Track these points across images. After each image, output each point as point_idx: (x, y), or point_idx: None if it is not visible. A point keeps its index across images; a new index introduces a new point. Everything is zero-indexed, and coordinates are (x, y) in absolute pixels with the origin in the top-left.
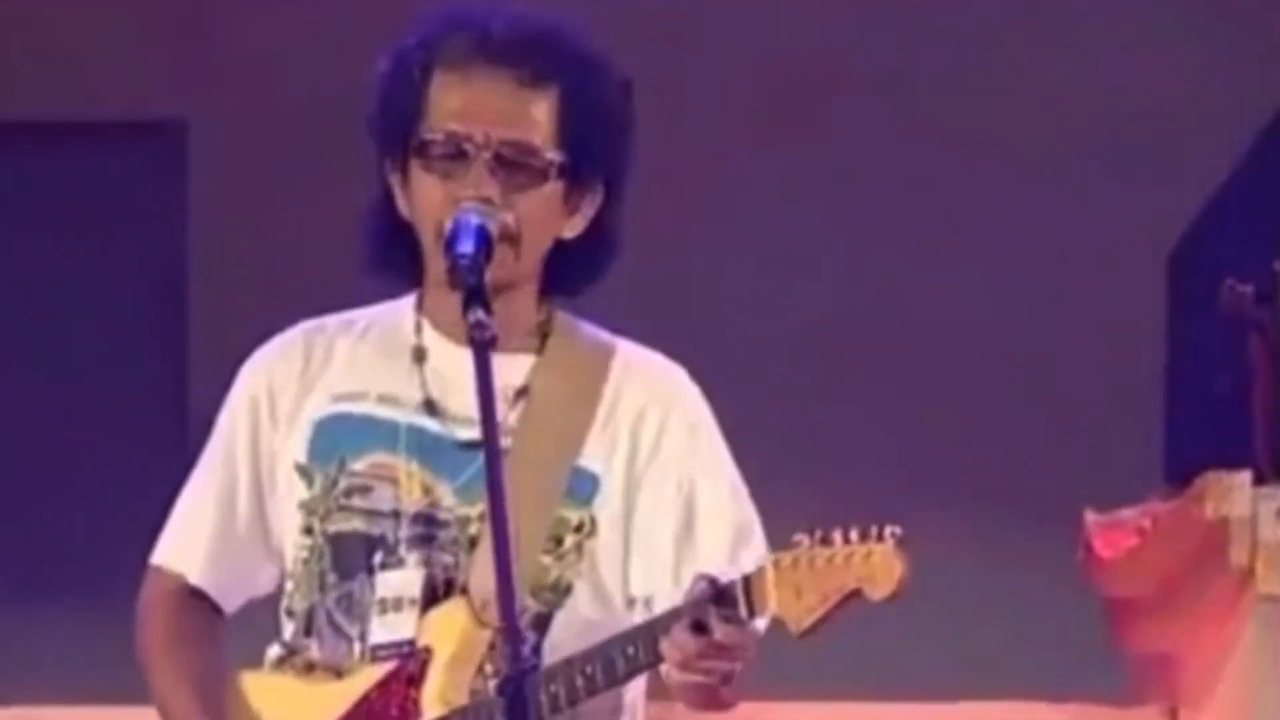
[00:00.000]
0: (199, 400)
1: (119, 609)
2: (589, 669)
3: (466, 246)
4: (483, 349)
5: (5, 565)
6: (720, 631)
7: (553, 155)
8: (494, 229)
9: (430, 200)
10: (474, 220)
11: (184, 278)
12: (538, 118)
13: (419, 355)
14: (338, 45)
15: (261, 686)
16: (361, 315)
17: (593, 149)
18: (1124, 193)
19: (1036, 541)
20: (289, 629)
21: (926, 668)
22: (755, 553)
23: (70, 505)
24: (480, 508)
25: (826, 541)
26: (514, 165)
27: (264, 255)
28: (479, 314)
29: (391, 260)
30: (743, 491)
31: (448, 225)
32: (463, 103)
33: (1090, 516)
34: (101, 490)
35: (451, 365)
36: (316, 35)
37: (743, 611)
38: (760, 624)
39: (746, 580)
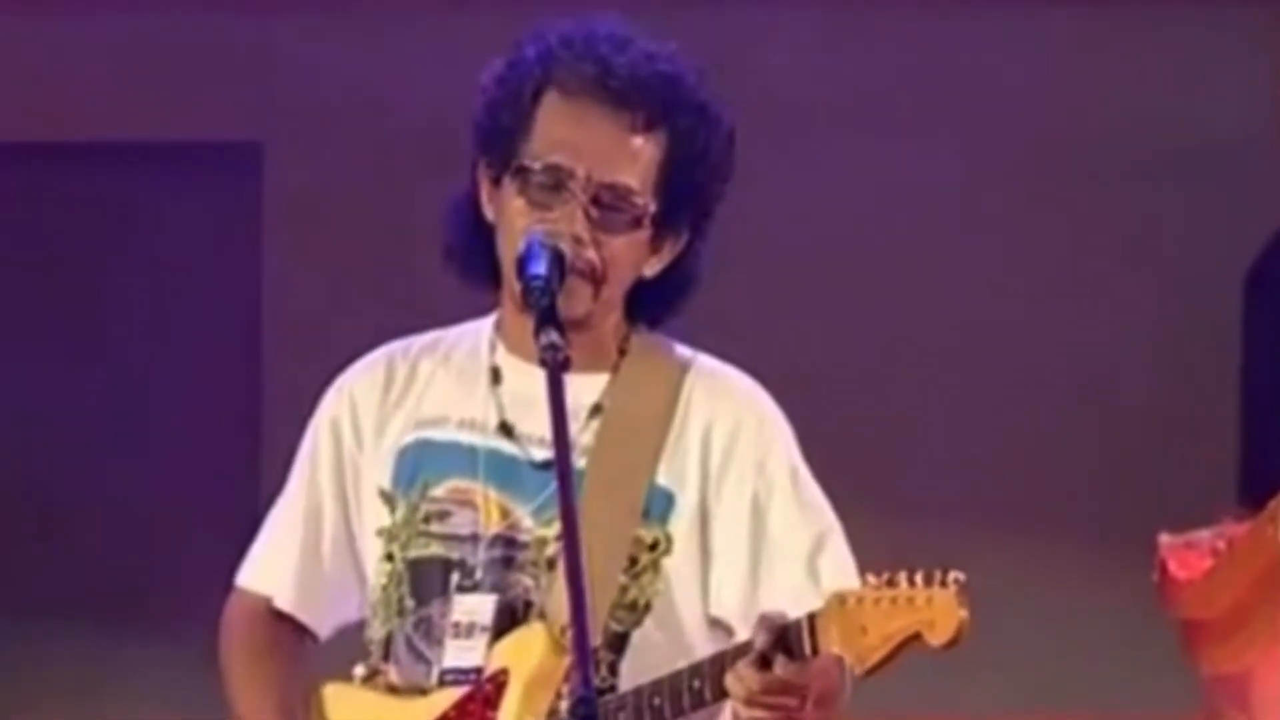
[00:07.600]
0: (272, 422)
1: (195, 633)
2: (656, 700)
3: (539, 268)
4: (556, 371)
5: (89, 593)
6: (783, 668)
7: (650, 203)
8: (567, 249)
9: (517, 226)
10: (546, 242)
11: (258, 299)
12: (642, 163)
13: (495, 376)
14: (411, 71)
15: (343, 699)
16: (445, 337)
17: (689, 199)
18: (1199, 211)
19: (1111, 563)
20: (370, 655)
21: (995, 687)
22: (834, 560)
23: (147, 529)
24: (556, 528)
25: (892, 583)
26: (609, 208)
27: (337, 277)
28: (552, 336)
29: (469, 257)
30: (818, 500)
31: (519, 246)
32: (570, 135)
33: (1165, 538)
34: (175, 503)
35: (526, 385)
36: (391, 60)
37: (806, 649)
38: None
39: (811, 618)
